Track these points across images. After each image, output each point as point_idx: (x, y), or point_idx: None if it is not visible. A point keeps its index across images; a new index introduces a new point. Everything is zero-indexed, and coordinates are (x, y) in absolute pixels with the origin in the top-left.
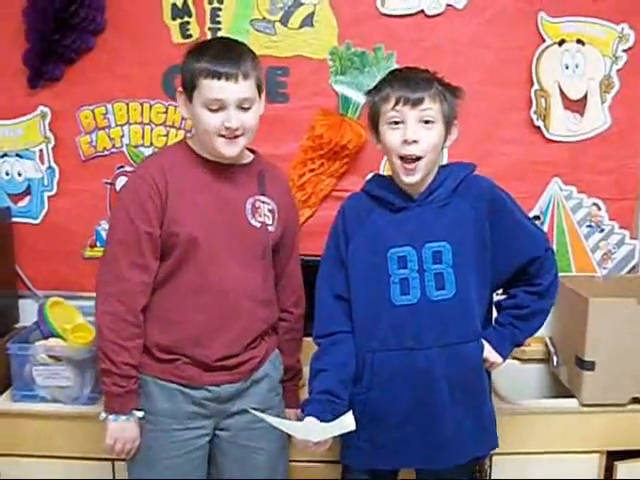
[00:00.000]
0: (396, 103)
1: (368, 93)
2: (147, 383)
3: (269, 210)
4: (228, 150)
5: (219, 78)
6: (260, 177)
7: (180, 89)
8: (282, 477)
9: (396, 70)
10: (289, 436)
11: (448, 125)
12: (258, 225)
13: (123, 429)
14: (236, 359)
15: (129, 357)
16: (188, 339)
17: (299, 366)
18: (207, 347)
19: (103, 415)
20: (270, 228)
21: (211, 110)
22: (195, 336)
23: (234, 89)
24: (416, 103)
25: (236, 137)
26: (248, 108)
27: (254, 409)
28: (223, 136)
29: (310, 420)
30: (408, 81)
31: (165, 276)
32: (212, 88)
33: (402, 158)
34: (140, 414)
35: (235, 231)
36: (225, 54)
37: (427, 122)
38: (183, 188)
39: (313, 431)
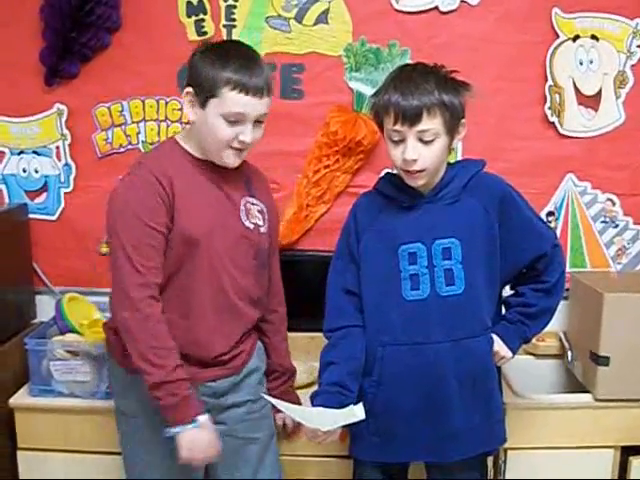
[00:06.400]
0: (395, 120)
1: (372, 96)
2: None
3: (259, 211)
4: (233, 161)
5: (246, 93)
6: (247, 179)
7: (190, 90)
8: (272, 465)
9: (399, 71)
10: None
11: (453, 131)
12: (252, 227)
13: (193, 439)
14: (229, 355)
15: (177, 357)
16: (188, 339)
17: (294, 367)
18: (206, 346)
19: (169, 432)
20: (262, 229)
21: (228, 122)
22: (195, 336)
23: (257, 104)
24: (414, 122)
25: (243, 149)
26: (261, 122)
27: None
28: (231, 147)
29: (321, 409)
30: (406, 94)
31: (166, 277)
32: (237, 102)
33: (403, 169)
34: (205, 417)
35: (232, 232)
36: (249, 65)
37: (427, 142)
38: (186, 189)
39: (323, 419)
